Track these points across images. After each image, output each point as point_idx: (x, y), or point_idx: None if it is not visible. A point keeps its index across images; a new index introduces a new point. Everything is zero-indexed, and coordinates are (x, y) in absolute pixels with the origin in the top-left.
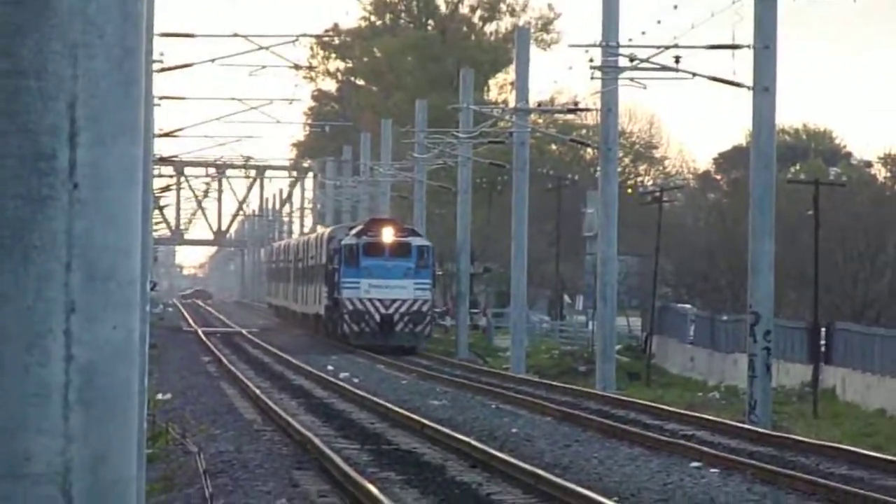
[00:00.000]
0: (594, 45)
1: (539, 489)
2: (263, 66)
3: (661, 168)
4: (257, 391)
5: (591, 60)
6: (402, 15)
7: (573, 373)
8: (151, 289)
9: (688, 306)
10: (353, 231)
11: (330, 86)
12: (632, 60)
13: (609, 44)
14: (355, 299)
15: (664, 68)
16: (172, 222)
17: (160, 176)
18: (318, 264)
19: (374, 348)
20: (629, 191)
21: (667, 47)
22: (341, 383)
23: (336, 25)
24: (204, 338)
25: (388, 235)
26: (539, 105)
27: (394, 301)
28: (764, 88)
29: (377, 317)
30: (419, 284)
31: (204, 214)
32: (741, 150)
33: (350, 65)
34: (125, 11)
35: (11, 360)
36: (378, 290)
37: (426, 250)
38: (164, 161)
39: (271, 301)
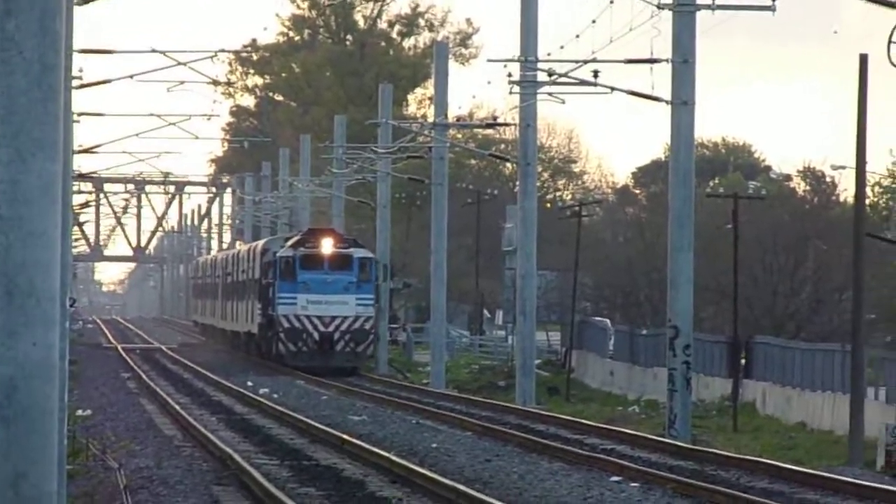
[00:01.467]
0: (513, 60)
1: None
2: (182, 82)
3: (580, 183)
4: (177, 407)
5: (510, 75)
6: (321, 30)
7: (493, 388)
8: (71, 305)
9: (606, 320)
10: (289, 242)
11: (248, 101)
12: (550, 75)
13: (527, 58)
14: (292, 316)
15: (582, 83)
16: (92, 239)
17: (79, 192)
18: (249, 279)
19: (312, 370)
20: (548, 205)
21: (585, 62)
22: (261, 399)
23: (254, 41)
24: (124, 354)
25: (327, 246)
26: (458, 120)
27: (334, 318)
28: (682, 102)
29: (316, 335)
30: (361, 300)
31: (123, 231)
32: (660, 164)
33: (268, 80)
34: (44, 28)
35: None
36: (317, 306)
37: (368, 262)
38: (83, 177)
39: (197, 319)
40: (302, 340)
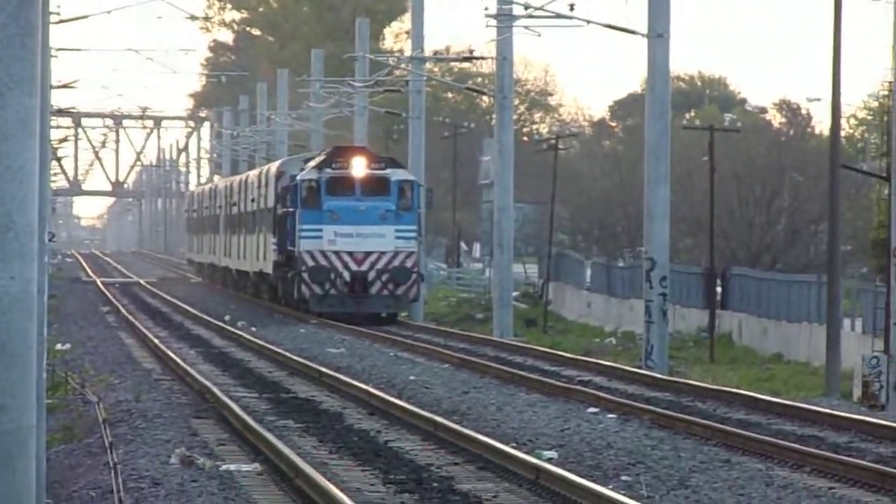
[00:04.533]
0: None
1: (437, 436)
2: (160, 17)
3: (556, 116)
4: (156, 341)
5: (486, 8)
6: None
7: (471, 320)
8: (50, 240)
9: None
10: (311, 163)
11: (226, 36)
12: (526, 8)
13: None
14: (317, 252)
15: (558, 16)
16: (70, 173)
17: (58, 127)
18: (261, 209)
19: (342, 317)
20: (525, 139)
21: None
22: (239, 332)
23: None
24: (103, 288)
25: (358, 167)
26: (435, 54)
27: (369, 254)
28: (658, 35)
29: (346, 275)
30: (402, 232)
31: (101, 165)
32: (636, 98)
33: (246, 15)
34: None
35: None
36: (348, 239)
37: (409, 186)
38: (61, 112)
39: (193, 257)
40: (330, 281)
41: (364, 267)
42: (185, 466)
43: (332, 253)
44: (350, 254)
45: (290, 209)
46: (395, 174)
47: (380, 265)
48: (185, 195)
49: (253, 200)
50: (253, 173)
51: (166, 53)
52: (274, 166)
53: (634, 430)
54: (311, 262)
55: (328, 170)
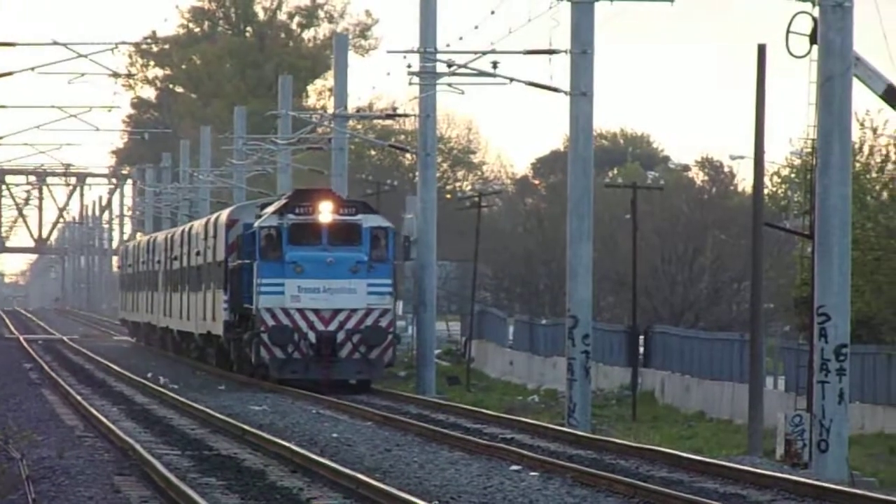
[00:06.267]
0: (412, 52)
1: (360, 493)
2: (82, 74)
3: (479, 173)
4: (79, 398)
5: (409, 66)
6: (220, 22)
7: (393, 378)
8: None
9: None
10: (270, 209)
11: (149, 93)
12: (449, 66)
13: (427, 49)
14: (278, 310)
15: (482, 73)
16: None
17: None
18: (208, 262)
19: (306, 384)
20: (448, 196)
21: (484, 53)
22: (161, 390)
23: (154, 33)
24: (26, 345)
25: (325, 213)
26: (358, 111)
27: (338, 312)
28: (581, 93)
29: (312, 336)
30: (376, 287)
31: (25, 222)
32: (559, 155)
33: (169, 72)
34: None
35: None
36: (314, 295)
37: (385, 234)
38: None
39: (127, 317)
40: (293, 343)
41: (332, 327)
42: None
43: (295, 311)
44: (316, 312)
45: (246, 261)
46: (367, 220)
47: (350, 325)
48: (119, 249)
49: (198, 254)
50: (197, 223)
51: (89, 111)
52: (224, 214)
53: (557, 487)
54: (271, 322)
55: (290, 216)
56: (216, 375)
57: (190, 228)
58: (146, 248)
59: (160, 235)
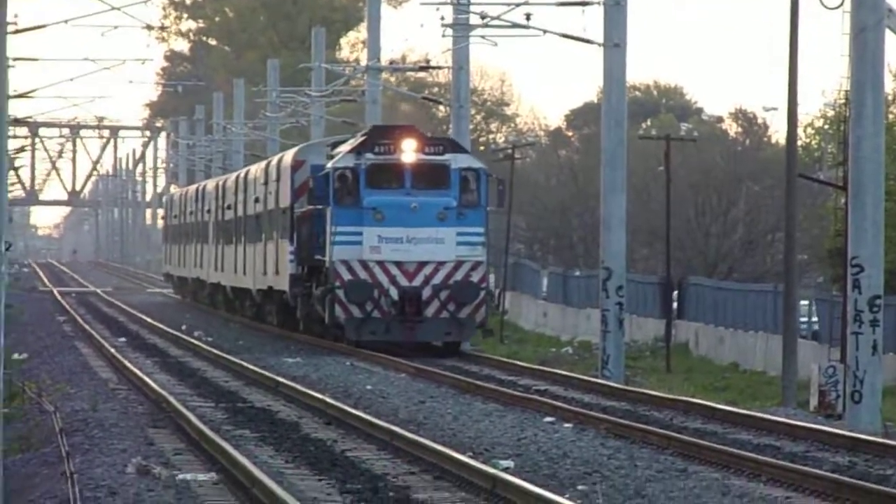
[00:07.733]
0: (445, 3)
1: (394, 445)
2: (116, 27)
3: (512, 125)
4: (112, 350)
5: (443, 18)
6: None
7: None
8: (6, 249)
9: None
10: (344, 147)
11: (182, 46)
12: (483, 18)
13: (460, 1)
14: (356, 262)
15: (515, 25)
16: (27, 183)
17: (14, 137)
18: (270, 210)
19: (385, 347)
20: (481, 148)
21: (517, 4)
22: (195, 342)
23: None
24: (60, 298)
25: (409, 152)
26: (391, 63)
27: (423, 265)
28: (614, 45)
29: (394, 293)
30: (466, 236)
31: (58, 175)
32: (592, 107)
33: (202, 25)
34: None
35: None
36: (396, 245)
37: (476, 176)
38: (18, 122)
39: (172, 271)
40: (372, 301)
41: (417, 282)
42: (142, 476)
43: (375, 264)
44: (399, 265)
45: (317, 207)
46: (457, 160)
47: (437, 280)
48: (164, 199)
49: (257, 200)
50: (255, 167)
51: (123, 63)
52: (289, 155)
53: (591, 439)
54: (347, 276)
55: (369, 155)
56: (273, 335)
57: (246, 174)
58: (194, 196)
59: (210, 183)
